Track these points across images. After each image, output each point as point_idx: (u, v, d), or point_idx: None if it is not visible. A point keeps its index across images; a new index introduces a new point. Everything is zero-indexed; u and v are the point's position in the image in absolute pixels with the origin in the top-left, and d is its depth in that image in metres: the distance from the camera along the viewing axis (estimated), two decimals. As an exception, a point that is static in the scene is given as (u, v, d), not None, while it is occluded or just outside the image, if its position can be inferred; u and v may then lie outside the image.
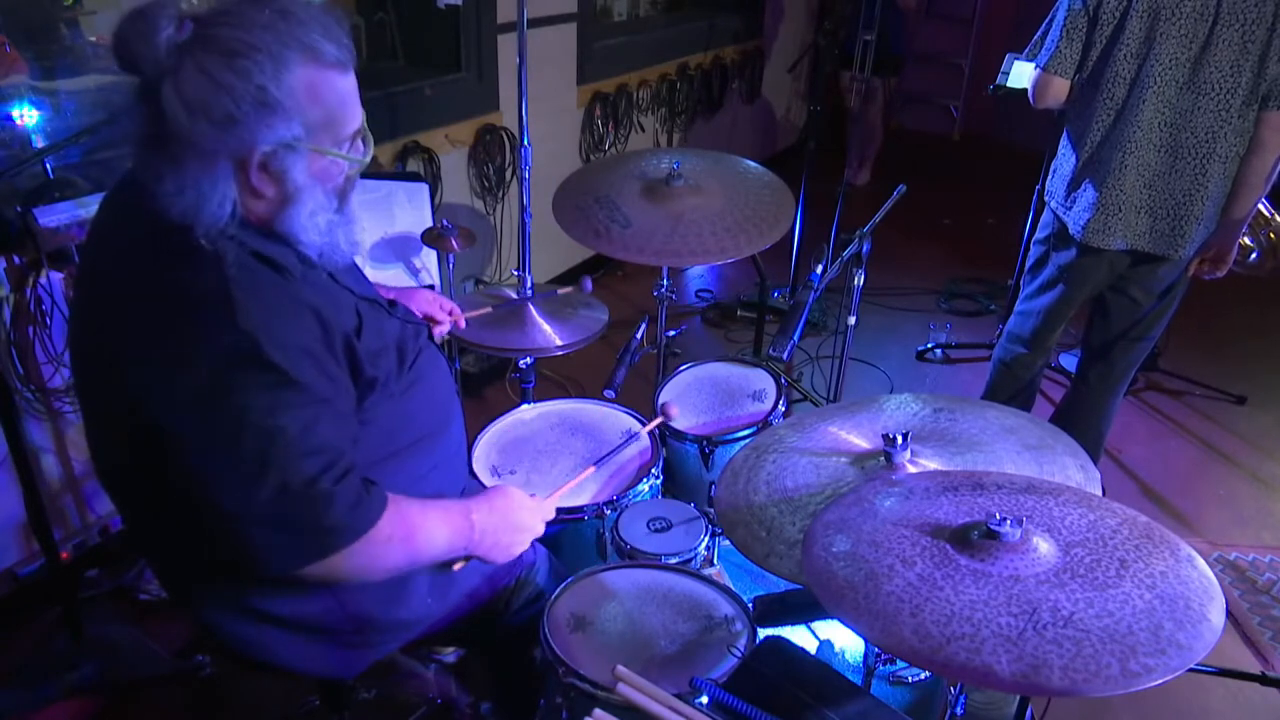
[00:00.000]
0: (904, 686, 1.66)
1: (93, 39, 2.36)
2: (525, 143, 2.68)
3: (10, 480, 2.02)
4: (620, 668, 1.21)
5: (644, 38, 4.53)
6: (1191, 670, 0.92)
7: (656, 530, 1.71)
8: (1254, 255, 2.98)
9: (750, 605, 1.45)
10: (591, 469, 1.75)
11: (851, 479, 1.41)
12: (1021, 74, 2.84)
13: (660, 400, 2.01)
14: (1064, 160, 2.45)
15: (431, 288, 2.51)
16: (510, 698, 1.65)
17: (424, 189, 2.52)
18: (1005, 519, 1.06)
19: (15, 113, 2.15)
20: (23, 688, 2.01)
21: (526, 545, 1.39)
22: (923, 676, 1.66)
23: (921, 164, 6.54)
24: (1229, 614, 2.12)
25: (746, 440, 1.91)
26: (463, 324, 1.89)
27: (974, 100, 6.95)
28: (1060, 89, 2.34)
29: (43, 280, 2.11)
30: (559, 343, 2.15)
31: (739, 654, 1.35)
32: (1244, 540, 2.79)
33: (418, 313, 1.65)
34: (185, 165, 1.06)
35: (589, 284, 2.22)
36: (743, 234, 2.05)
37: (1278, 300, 4.42)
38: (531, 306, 2.23)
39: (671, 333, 3.67)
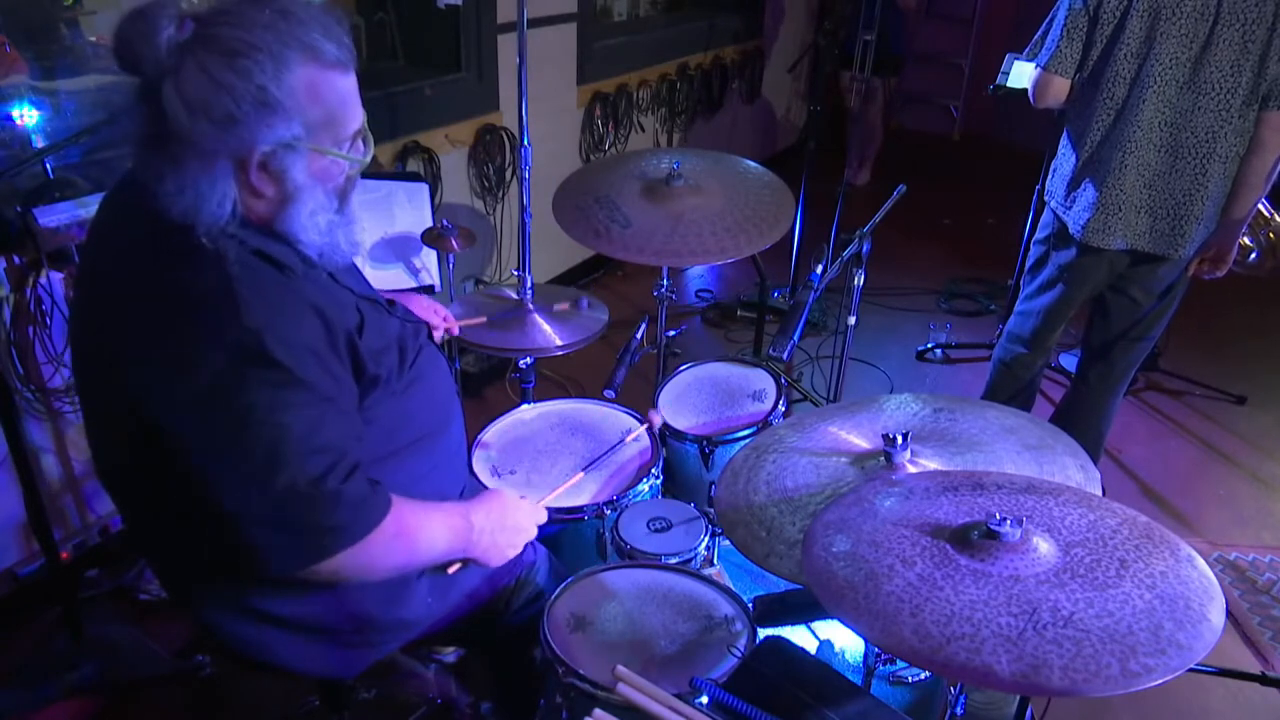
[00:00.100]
0: (904, 686, 1.66)
1: (93, 39, 2.36)
2: (525, 143, 2.68)
3: (10, 480, 2.02)
4: (620, 668, 1.21)
5: (644, 38, 4.53)
6: (1191, 670, 0.92)
7: (656, 530, 1.71)
8: (1254, 255, 2.98)
9: (750, 605, 1.45)
10: (580, 475, 1.75)
11: (851, 479, 1.41)
12: (1021, 74, 2.84)
13: (651, 408, 2.01)
14: (1064, 160, 2.45)
15: (431, 288, 2.51)
16: (510, 698, 1.65)
17: (424, 189, 2.52)
18: (1005, 519, 1.06)
19: (15, 113, 2.15)
20: (23, 688, 2.01)
21: (520, 548, 1.40)
22: (923, 676, 1.66)
23: (921, 164, 6.54)
24: (1229, 614, 2.12)
25: (746, 440, 1.91)
26: (456, 331, 1.89)
27: (974, 100, 6.95)
28: (1060, 88, 2.34)
29: (43, 280, 2.11)
30: (559, 343, 2.15)
31: (739, 654, 1.35)
32: (1244, 540, 2.79)
33: None
34: (185, 165, 1.06)
35: (585, 303, 2.22)
36: (743, 234, 2.05)
37: (1278, 300, 4.41)
38: (531, 307, 2.24)
39: (671, 333, 3.66)
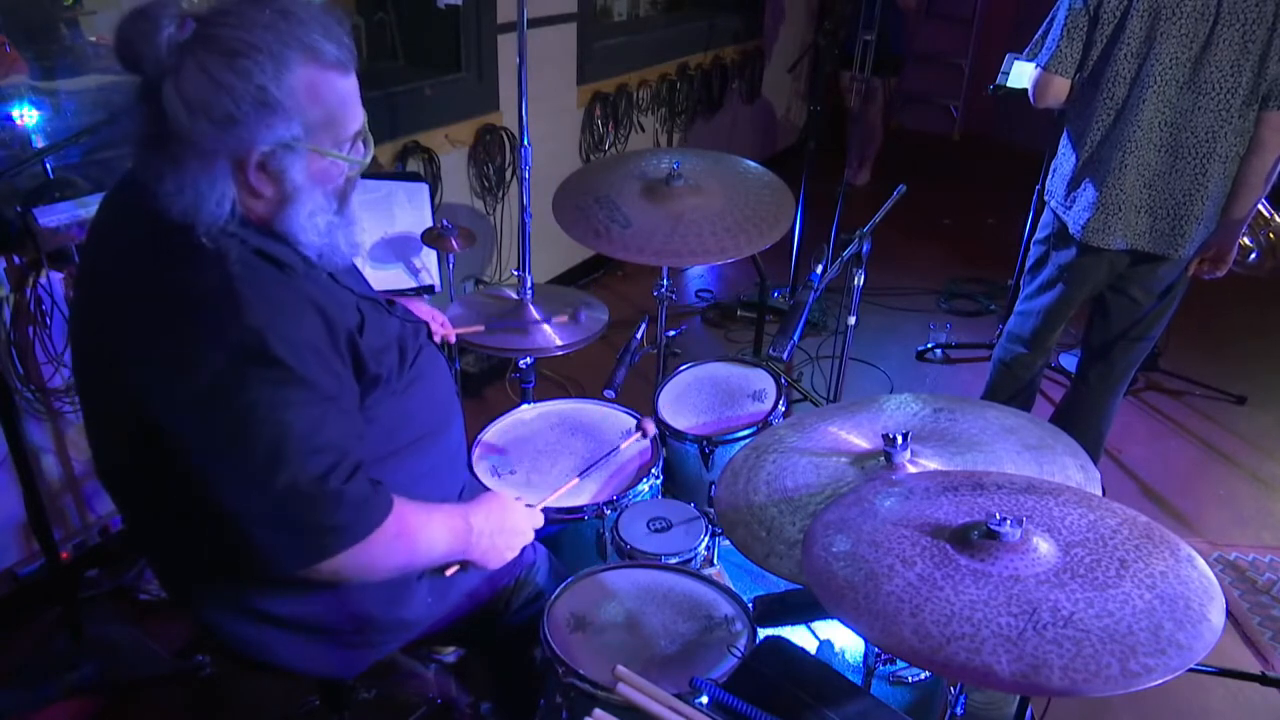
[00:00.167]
0: (904, 686, 1.66)
1: (93, 39, 2.36)
2: (525, 143, 2.68)
3: (10, 480, 2.02)
4: (620, 668, 1.21)
5: (644, 38, 4.53)
6: (1191, 670, 0.92)
7: (656, 530, 1.71)
8: (1254, 255, 2.98)
9: (750, 605, 1.45)
10: (575, 480, 1.75)
11: (851, 479, 1.41)
12: (1021, 74, 2.84)
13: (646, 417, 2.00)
14: (1064, 160, 2.45)
15: (431, 288, 2.51)
16: (510, 698, 1.65)
17: (424, 189, 2.52)
18: (1005, 519, 1.06)
19: (15, 113, 2.15)
20: (23, 688, 2.01)
21: (517, 551, 1.41)
22: (923, 676, 1.66)
23: (921, 164, 6.54)
24: (1229, 614, 2.12)
25: (746, 440, 1.91)
26: (453, 339, 1.89)
27: (974, 100, 6.95)
28: (1061, 88, 2.34)
29: (43, 280, 2.11)
30: (559, 343, 2.15)
31: (739, 654, 1.35)
32: (1244, 540, 2.79)
33: None
34: (185, 165, 1.06)
35: (584, 316, 2.22)
36: (743, 234, 2.05)
37: (1278, 300, 4.41)
38: (531, 307, 2.24)
39: (671, 333, 3.66)
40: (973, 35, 6.81)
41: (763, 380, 2.20)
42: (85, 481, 2.39)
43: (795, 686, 1.23)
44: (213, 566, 1.24)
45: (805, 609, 1.48)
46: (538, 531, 1.47)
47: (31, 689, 2.00)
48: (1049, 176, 2.55)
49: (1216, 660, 1.19)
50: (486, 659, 1.65)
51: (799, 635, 1.66)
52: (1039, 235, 2.60)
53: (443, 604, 1.43)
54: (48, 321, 2.15)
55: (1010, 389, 2.75)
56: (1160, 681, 0.89)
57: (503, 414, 2.02)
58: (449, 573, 1.37)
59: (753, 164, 2.32)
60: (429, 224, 2.44)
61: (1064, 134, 2.45)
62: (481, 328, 2.13)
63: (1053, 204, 2.51)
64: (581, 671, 1.28)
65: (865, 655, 1.58)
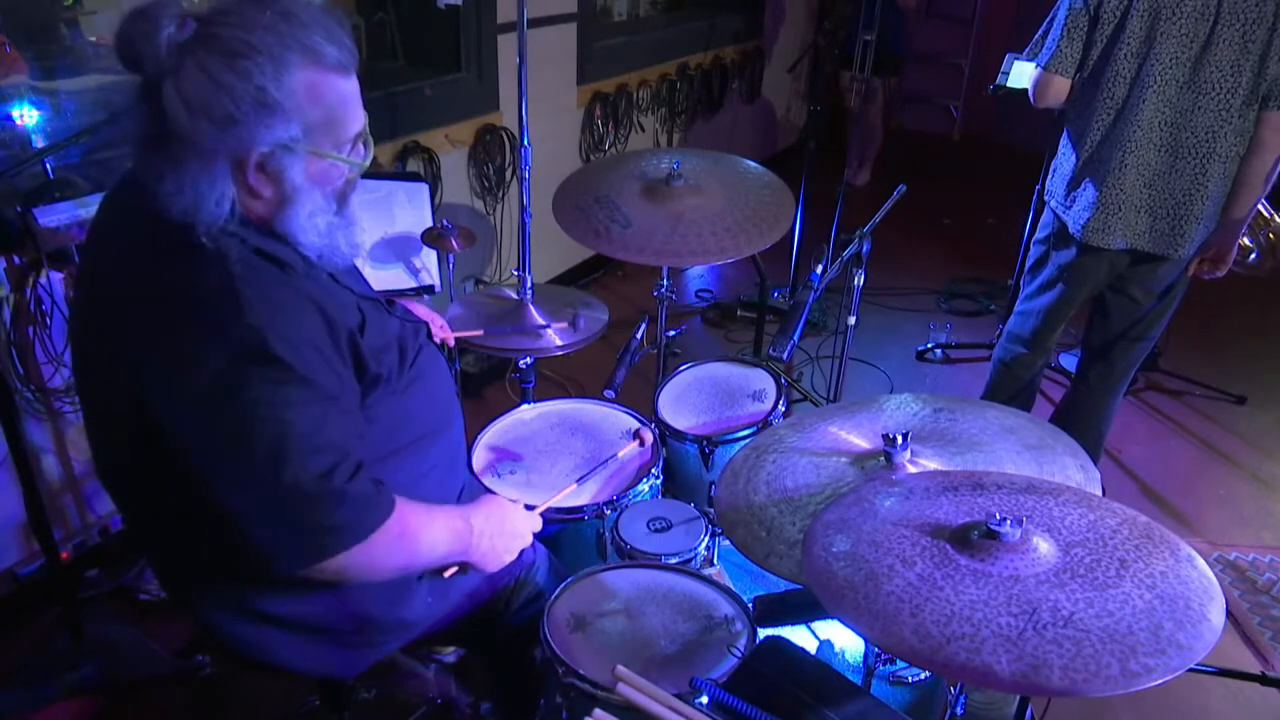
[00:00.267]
0: (904, 686, 1.66)
1: (93, 39, 2.36)
2: (525, 143, 2.68)
3: (10, 480, 2.02)
4: (620, 668, 1.21)
5: (644, 38, 4.53)
6: (1191, 670, 0.92)
7: (656, 530, 1.71)
8: (1254, 255, 2.98)
9: (750, 605, 1.45)
10: (573, 486, 1.75)
11: (851, 479, 1.41)
12: (1021, 74, 2.84)
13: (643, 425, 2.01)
14: (1064, 159, 2.45)
15: (431, 288, 2.51)
16: (510, 698, 1.65)
17: (424, 189, 2.52)
18: (1005, 519, 1.06)
19: (15, 113, 2.15)
20: (23, 688, 2.01)
21: (516, 554, 1.41)
22: (923, 676, 1.66)
23: (921, 164, 6.54)
24: (1229, 614, 2.12)
25: (746, 440, 1.91)
26: (451, 342, 1.89)
27: (974, 100, 6.95)
28: (1061, 88, 2.34)
29: (43, 280, 2.11)
30: (559, 343, 2.15)
31: (739, 654, 1.35)
32: (1244, 540, 2.79)
33: None
34: (185, 164, 1.06)
35: (582, 320, 2.22)
36: (743, 234, 2.05)
37: (1278, 300, 4.41)
38: (531, 307, 2.24)
39: (671, 333, 3.66)
40: (973, 35, 6.81)
41: (763, 380, 2.20)
42: (85, 481, 2.39)
43: (795, 686, 1.23)
44: (213, 566, 1.24)
45: (805, 609, 1.48)
46: (537, 532, 1.48)
47: (31, 689, 2.00)
48: (1049, 176, 2.55)
49: (1216, 660, 1.19)
50: (486, 659, 1.65)
51: (799, 635, 1.66)
52: (1039, 235, 2.60)
53: (443, 604, 1.43)
54: (48, 321, 2.15)
55: (1010, 389, 2.75)
56: (1160, 681, 0.89)
57: (503, 414, 2.02)
58: (447, 574, 1.37)
59: (753, 164, 2.32)
60: (429, 224, 2.44)
61: (1064, 134, 2.45)
62: (480, 331, 2.14)
63: (1053, 204, 2.51)
64: (581, 671, 1.28)
65: (865, 655, 1.58)
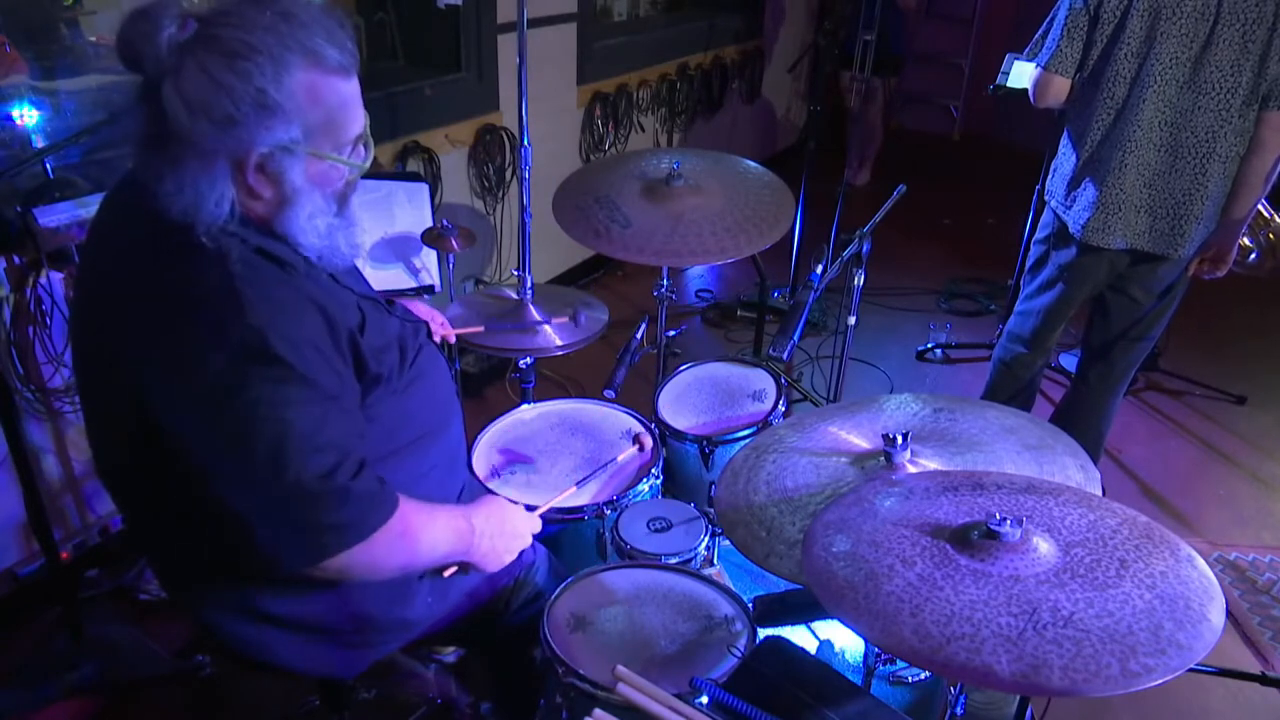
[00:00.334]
0: (904, 686, 1.66)
1: (93, 39, 2.36)
2: (525, 143, 2.68)
3: (10, 480, 2.02)
4: (620, 668, 1.21)
5: (644, 38, 4.53)
6: (1191, 670, 0.92)
7: (656, 530, 1.71)
8: (1254, 255, 2.98)
9: (750, 605, 1.45)
10: (573, 489, 1.75)
11: (851, 479, 1.41)
12: (1021, 74, 2.84)
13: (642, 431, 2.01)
14: (1064, 159, 2.45)
15: (431, 288, 2.51)
16: (510, 698, 1.65)
17: (424, 189, 2.52)
18: (1005, 519, 1.06)
19: (15, 113, 2.15)
20: (23, 688, 2.01)
21: (515, 555, 1.42)
22: (923, 676, 1.66)
23: (921, 164, 6.54)
24: (1229, 614, 2.12)
25: (746, 440, 1.91)
26: (452, 339, 1.89)
27: (974, 100, 6.95)
28: (1061, 88, 2.34)
29: (43, 280, 2.11)
30: (559, 343, 2.15)
31: (739, 654, 1.35)
32: (1244, 540, 2.79)
33: None
34: (184, 165, 1.06)
35: (584, 318, 2.22)
36: (743, 234, 2.05)
37: (1278, 300, 4.41)
38: (531, 307, 2.24)
39: (671, 333, 3.66)
40: (973, 35, 6.81)
41: (763, 380, 2.20)
42: (85, 481, 2.39)
43: (795, 686, 1.23)
44: (213, 566, 1.24)
45: (805, 609, 1.48)
46: (537, 532, 1.48)
47: (31, 689, 2.00)
48: (1049, 176, 2.55)
49: (1216, 660, 1.19)
50: (486, 659, 1.65)
51: (799, 635, 1.66)
52: (1039, 235, 2.60)
53: (443, 604, 1.43)
54: (48, 321, 2.15)
55: (1010, 389, 2.75)
56: (1160, 681, 0.89)
57: (503, 414, 2.02)
58: (447, 574, 1.37)
59: (753, 164, 2.32)
60: (429, 224, 2.44)
61: (1064, 134, 2.45)
62: (481, 328, 2.14)
63: (1053, 204, 2.51)
64: (581, 671, 1.28)
65: (865, 655, 1.58)
